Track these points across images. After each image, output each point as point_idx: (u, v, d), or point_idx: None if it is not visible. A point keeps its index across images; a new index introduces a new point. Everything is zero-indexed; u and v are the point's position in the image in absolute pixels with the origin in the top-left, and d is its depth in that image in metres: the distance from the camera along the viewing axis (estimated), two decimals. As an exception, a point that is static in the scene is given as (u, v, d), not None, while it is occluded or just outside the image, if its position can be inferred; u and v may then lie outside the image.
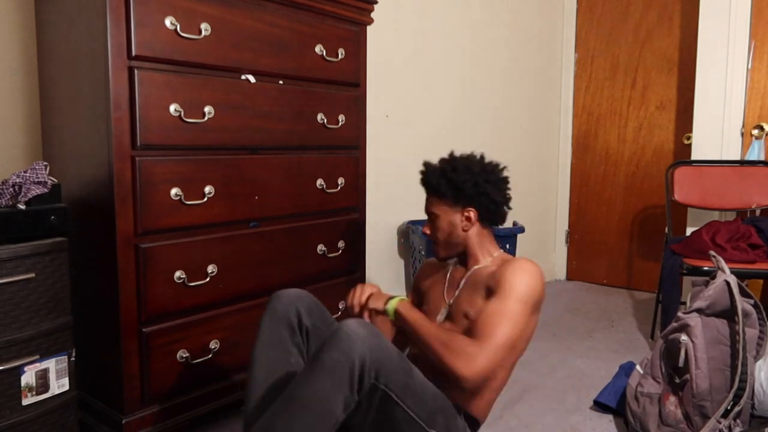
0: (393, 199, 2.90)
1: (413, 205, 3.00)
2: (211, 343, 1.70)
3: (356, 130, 2.08)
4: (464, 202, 1.49)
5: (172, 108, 1.55)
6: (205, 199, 1.64)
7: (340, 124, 2.00)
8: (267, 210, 1.81)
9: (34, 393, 1.42)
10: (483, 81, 3.30)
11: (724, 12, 2.91)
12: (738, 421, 1.60)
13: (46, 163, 1.51)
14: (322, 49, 1.91)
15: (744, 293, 1.73)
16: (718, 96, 2.96)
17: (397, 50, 2.83)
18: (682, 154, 3.32)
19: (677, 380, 1.70)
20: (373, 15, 2.09)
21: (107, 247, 1.52)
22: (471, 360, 1.24)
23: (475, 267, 1.52)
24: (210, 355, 1.70)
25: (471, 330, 1.35)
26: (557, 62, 3.77)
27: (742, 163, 2.83)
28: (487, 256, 1.53)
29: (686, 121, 3.29)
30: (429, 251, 2.67)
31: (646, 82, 3.47)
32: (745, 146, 2.94)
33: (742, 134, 2.94)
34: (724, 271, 1.78)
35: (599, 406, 1.95)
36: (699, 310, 1.72)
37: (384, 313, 1.40)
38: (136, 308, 1.54)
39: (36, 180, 1.46)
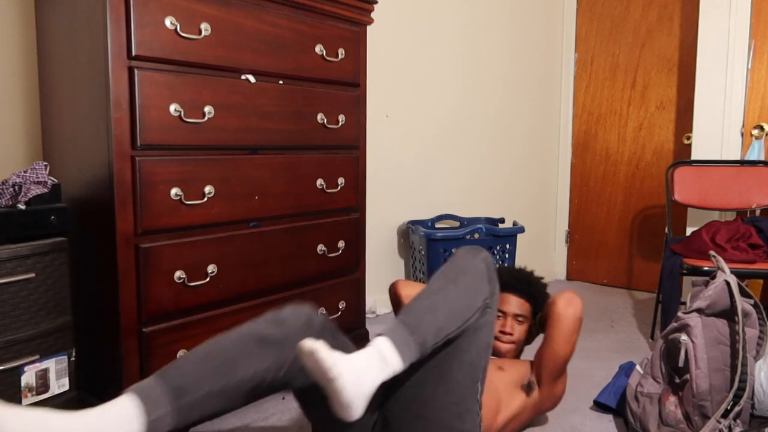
0: (393, 199, 2.90)
1: (413, 205, 3.00)
2: (211, 343, 1.70)
3: (356, 130, 2.08)
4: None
5: (172, 108, 1.55)
6: (205, 199, 1.64)
7: (340, 124, 2.00)
8: (267, 210, 1.81)
9: (34, 393, 1.42)
10: (483, 81, 3.30)
11: (724, 12, 2.91)
12: (738, 421, 1.60)
13: (46, 163, 1.51)
14: (322, 49, 1.91)
15: (744, 293, 1.73)
16: (718, 96, 2.96)
17: (397, 50, 2.83)
18: (682, 154, 3.32)
19: (677, 380, 1.70)
20: (373, 15, 2.09)
21: (107, 247, 1.52)
22: None
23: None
24: (210, 355, 1.69)
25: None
26: (557, 62, 3.77)
27: (742, 163, 2.83)
28: None
29: (686, 121, 3.30)
30: (429, 250, 2.67)
31: (646, 82, 3.47)
32: (745, 146, 2.94)
33: (742, 134, 2.94)
34: (724, 271, 1.77)
35: (599, 406, 1.95)
36: (699, 310, 1.72)
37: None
38: (136, 308, 1.54)
39: (36, 180, 1.46)
